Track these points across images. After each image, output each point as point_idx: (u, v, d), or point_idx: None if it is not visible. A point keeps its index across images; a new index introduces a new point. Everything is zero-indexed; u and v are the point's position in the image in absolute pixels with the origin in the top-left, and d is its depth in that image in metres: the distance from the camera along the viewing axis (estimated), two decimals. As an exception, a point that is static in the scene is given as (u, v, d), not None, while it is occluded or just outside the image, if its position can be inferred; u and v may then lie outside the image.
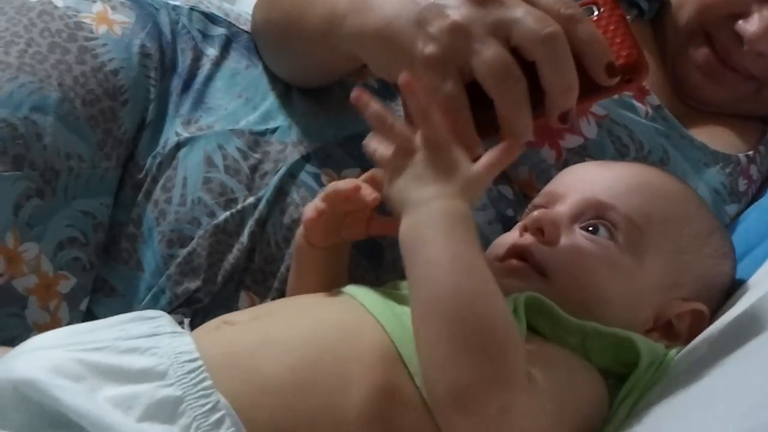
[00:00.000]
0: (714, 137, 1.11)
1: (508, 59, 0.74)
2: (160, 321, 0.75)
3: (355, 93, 0.76)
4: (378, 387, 0.72)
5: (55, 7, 1.04)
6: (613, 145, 1.04)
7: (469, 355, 0.67)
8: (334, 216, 0.87)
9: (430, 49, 0.76)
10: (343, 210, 0.86)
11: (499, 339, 0.68)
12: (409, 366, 0.73)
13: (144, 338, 0.72)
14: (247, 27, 1.11)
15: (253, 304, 0.97)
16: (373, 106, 0.76)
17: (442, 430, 0.70)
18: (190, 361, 0.70)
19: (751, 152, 1.11)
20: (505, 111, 0.75)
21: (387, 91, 1.05)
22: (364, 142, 0.78)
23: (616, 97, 1.04)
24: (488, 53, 0.74)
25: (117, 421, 0.66)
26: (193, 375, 0.69)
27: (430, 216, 0.72)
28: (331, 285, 0.87)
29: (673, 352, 0.81)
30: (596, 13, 0.79)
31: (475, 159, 0.78)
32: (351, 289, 0.83)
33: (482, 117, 0.76)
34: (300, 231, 0.90)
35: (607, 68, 0.75)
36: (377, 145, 0.77)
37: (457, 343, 0.68)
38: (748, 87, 1.11)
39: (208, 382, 0.69)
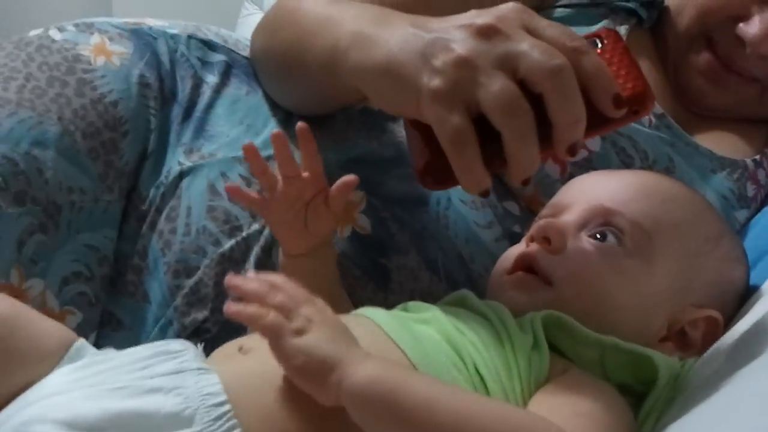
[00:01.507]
0: (719, 143, 1.10)
1: (516, 92, 0.74)
2: (184, 356, 0.74)
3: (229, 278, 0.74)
4: None
5: (53, 40, 1.04)
6: (618, 157, 1.04)
7: None
8: (295, 214, 0.89)
9: (435, 82, 0.76)
10: (301, 196, 0.88)
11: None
12: None
13: (169, 376, 0.70)
14: (246, 53, 1.11)
15: (261, 331, 0.96)
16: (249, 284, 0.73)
17: None
18: (218, 405, 0.69)
19: (757, 156, 1.10)
20: (512, 144, 0.75)
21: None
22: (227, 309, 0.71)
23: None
24: (495, 86, 0.74)
25: None
26: (221, 422, 0.68)
27: (381, 367, 0.69)
28: (327, 300, 0.86)
29: (688, 365, 0.80)
30: (600, 46, 0.79)
31: (484, 193, 0.77)
32: (367, 311, 0.82)
33: (490, 150, 0.76)
34: (279, 252, 0.90)
35: (614, 100, 0.76)
36: (260, 311, 0.71)
37: None
38: (751, 90, 1.10)
39: (237, 431, 0.68)
